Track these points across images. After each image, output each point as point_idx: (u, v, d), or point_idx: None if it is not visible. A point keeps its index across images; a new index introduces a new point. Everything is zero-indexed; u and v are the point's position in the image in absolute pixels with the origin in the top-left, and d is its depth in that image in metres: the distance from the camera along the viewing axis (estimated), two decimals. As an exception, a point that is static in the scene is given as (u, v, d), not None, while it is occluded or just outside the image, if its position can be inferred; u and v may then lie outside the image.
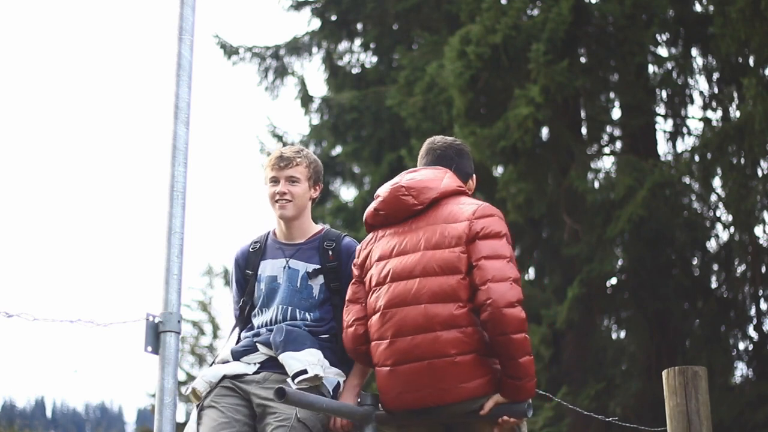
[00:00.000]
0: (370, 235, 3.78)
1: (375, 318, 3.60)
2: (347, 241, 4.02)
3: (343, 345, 3.78)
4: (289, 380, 3.72)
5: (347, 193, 15.02)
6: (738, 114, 11.24)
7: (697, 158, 11.18)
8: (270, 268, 4.01)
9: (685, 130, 12.80)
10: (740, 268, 11.93)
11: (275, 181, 4.00)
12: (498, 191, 11.78)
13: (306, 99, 14.27)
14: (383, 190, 3.75)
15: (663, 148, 13.03)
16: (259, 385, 3.78)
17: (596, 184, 11.78)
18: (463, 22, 11.82)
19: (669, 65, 12.32)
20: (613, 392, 11.70)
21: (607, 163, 12.81)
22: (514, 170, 11.35)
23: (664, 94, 12.72)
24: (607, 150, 13.09)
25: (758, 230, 11.52)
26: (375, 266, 3.67)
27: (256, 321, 3.99)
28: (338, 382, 3.80)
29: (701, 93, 12.56)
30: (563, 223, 11.98)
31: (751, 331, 12.02)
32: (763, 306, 11.89)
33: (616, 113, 12.94)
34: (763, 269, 11.61)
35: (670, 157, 12.57)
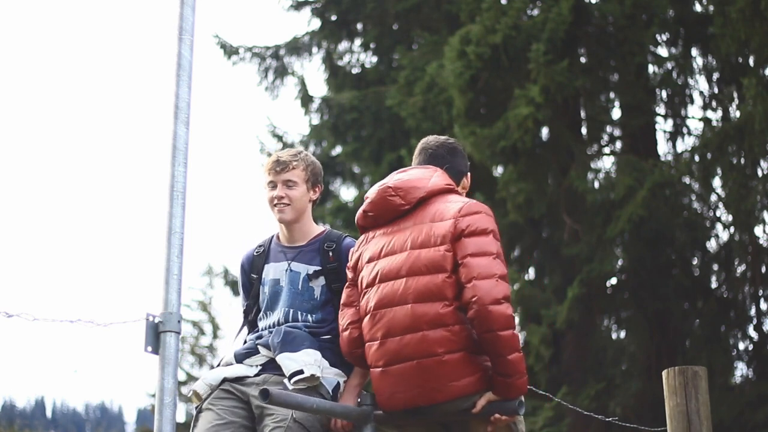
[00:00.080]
0: (362, 237, 3.80)
1: (366, 320, 3.62)
2: (348, 242, 4.03)
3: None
4: (285, 381, 3.73)
5: (347, 193, 15.03)
6: (738, 114, 11.24)
7: (697, 158, 11.19)
8: (273, 271, 4.04)
9: (685, 130, 12.80)
10: (740, 268, 11.93)
11: (273, 185, 4.03)
12: (498, 191, 11.78)
13: (306, 99, 14.27)
14: (371, 192, 3.78)
15: (663, 148, 13.04)
16: (258, 387, 3.78)
17: (596, 184, 11.78)
18: (463, 22, 11.82)
19: (669, 65, 12.33)
20: (613, 392, 11.69)
21: (607, 163, 12.83)
22: (514, 170, 11.35)
23: (664, 94, 12.73)
24: (607, 150, 13.09)
25: (758, 230, 11.53)
26: (365, 268, 3.69)
27: (261, 324, 4.02)
28: (338, 383, 3.80)
29: (701, 93, 12.56)
30: (563, 223, 11.99)
31: (751, 331, 12.02)
32: (763, 306, 11.90)
33: (616, 113, 12.95)
34: (763, 269, 11.61)
35: (670, 157, 12.57)
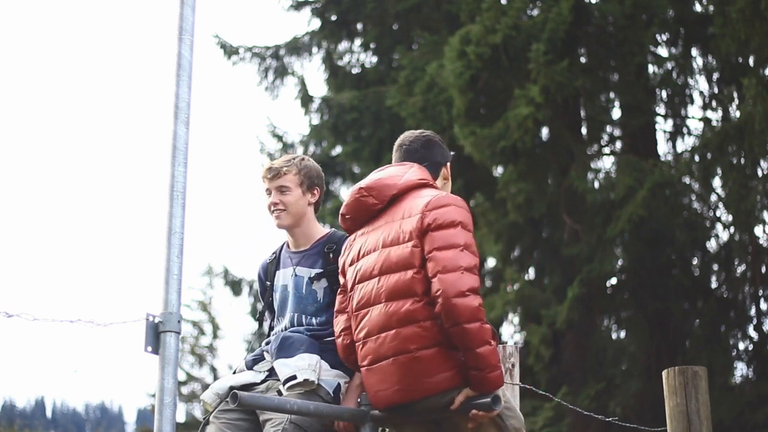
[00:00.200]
0: (347, 241, 3.82)
1: (352, 321, 3.65)
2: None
3: None
4: (281, 387, 3.74)
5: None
6: (738, 114, 11.25)
7: (697, 158, 11.19)
8: (282, 277, 4.07)
9: (685, 130, 12.81)
10: (740, 268, 11.94)
11: (269, 192, 4.07)
12: (498, 191, 11.79)
13: (306, 99, 14.27)
14: (347, 194, 3.78)
15: (663, 148, 13.05)
16: (262, 394, 3.80)
17: (596, 184, 11.79)
18: (463, 22, 11.82)
19: (669, 65, 12.33)
20: (613, 392, 11.70)
21: (607, 163, 12.84)
22: (514, 170, 11.36)
23: (664, 94, 12.73)
24: (607, 150, 13.09)
25: (758, 230, 11.54)
26: (349, 271, 3.71)
27: (275, 329, 4.06)
28: (338, 384, 3.80)
29: (701, 93, 12.57)
30: (563, 223, 11.99)
31: (751, 331, 12.02)
32: (763, 306, 11.90)
33: (616, 113, 12.95)
34: (763, 269, 11.62)
35: (670, 157, 12.57)
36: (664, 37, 12.30)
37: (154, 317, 3.09)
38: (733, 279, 11.95)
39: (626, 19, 10.98)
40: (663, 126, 12.96)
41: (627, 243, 11.31)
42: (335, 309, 3.79)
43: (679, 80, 12.40)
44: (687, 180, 11.56)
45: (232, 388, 3.84)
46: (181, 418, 24.43)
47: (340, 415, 3.63)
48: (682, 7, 12.00)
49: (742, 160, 10.67)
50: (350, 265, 3.70)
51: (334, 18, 14.69)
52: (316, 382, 3.72)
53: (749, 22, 9.58)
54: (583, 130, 12.88)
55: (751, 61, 10.68)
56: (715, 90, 12.40)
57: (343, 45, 15.03)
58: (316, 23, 14.89)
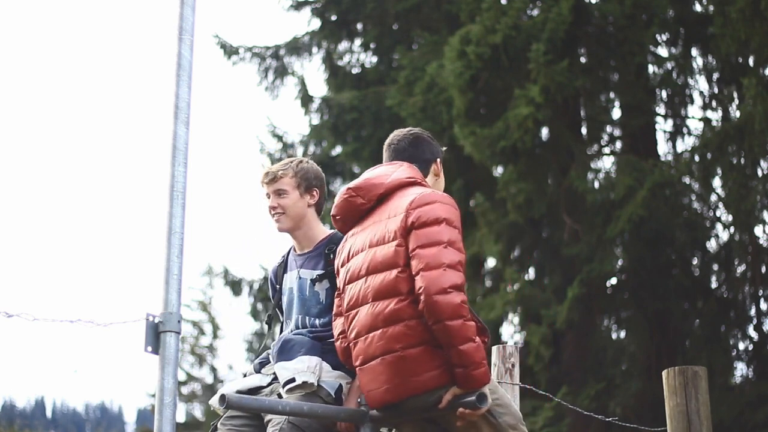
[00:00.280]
0: (341, 243, 3.83)
1: (344, 322, 3.66)
2: None
3: None
4: (281, 389, 3.76)
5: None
6: (738, 114, 11.25)
7: (697, 158, 11.19)
8: (289, 280, 4.11)
9: (685, 130, 12.81)
10: (740, 268, 11.94)
11: (268, 196, 4.12)
12: (498, 191, 11.79)
13: (306, 99, 14.27)
14: (337, 196, 3.82)
15: (663, 148, 13.05)
16: (266, 396, 3.83)
17: (596, 184, 11.79)
18: (463, 22, 11.82)
19: (669, 65, 12.33)
20: (613, 392, 11.70)
21: (607, 163, 12.84)
22: (514, 170, 11.36)
23: (664, 94, 12.73)
24: (607, 150, 13.09)
25: (758, 230, 11.54)
26: (341, 272, 3.73)
27: (283, 332, 4.09)
28: (340, 385, 3.80)
29: (701, 93, 12.57)
30: (563, 223, 11.99)
31: (751, 331, 12.02)
32: (763, 306, 11.90)
33: (616, 113, 12.95)
34: (763, 269, 11.62)
35: (670, 157, 12.58)
36: (664, 37, 12.30)
37: (154, 317, 3.09)
38: (733, 279, 11.95)
39: (626, 19, 10.98)
40: (663, 126, 12.97)
41: (627, 243, 11.31)
42: (333, 312, 3.81)
43: (679, 80, 12.40)
44: (687, 180, 11.56)
45: (239, 392, 3.86)
46: (181, 418, 24.44)
47: (337, 415, 3.63)
48: (682, 7, 12.00)
49: (742, 160, 10.68)
50: (342, 266, 3.72)
51: (334, 18, 14.69)
52: (316, 384, 3.72)
53: (749, 22, 9.58)
54: (583, 130, 12.88)
55: (751, 61, 10.68)
56: (715, 90, 12.40)
57: (343, 45, 15.03)
58: (316, 23, 14.90)
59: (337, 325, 3.75)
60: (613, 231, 10.80)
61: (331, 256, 3.98)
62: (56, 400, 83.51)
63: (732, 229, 11.80)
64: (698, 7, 12.30)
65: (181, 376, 27.20)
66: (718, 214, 12.07)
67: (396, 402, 3.45)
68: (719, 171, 11.06)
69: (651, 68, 12.43)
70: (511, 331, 12.99)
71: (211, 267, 24.81)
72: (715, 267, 12.32)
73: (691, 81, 12.53)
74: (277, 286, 4.17)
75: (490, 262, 13.80)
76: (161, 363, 3.06)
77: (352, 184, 3.77)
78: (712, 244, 12.21)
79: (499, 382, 4.44)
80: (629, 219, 10.56)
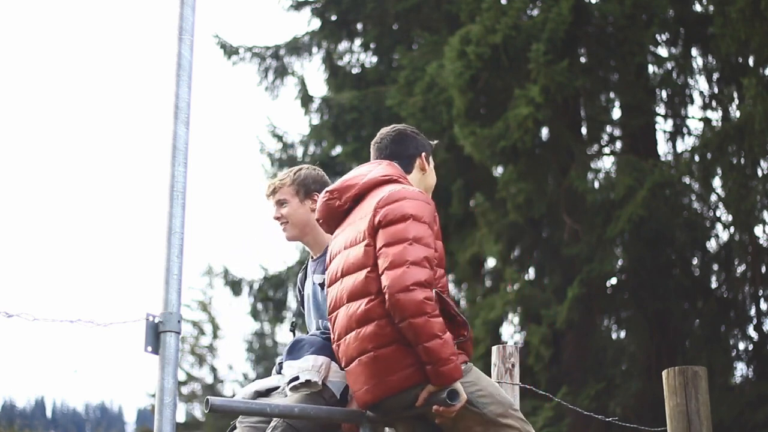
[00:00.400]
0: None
1: (330, 325, 3.67)
2: None
3: None
4: (285, 388, 3.77)
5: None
6: (738, 114, 11.25)
7: (697, 158, 11.19)
8: (308, 286, 4.18)
9: (685, 130, 12.81)
10: (740, 268, 11.94)
11: (274, 208, 4.20)
12: (498, 191, 11.79)
13: (306, 99, 14.27)
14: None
15: (663, 148, 13.05)
16: (281, 395, 3.86)
17: (596, 184, 11.79)
18: (463, 22, 11.82)
19: (669, 65, 12.33)
20: (613, 392, 11.70)
21: (607, 163, 12.84)
22: (514, 170, 11.36)
23: (664, 94, 12.73)
24: (607, 150, 13.09)
25: (758, 230, 11.54)
26: (327, 275, 3.74)
27: None
28: (347, 385, 3.81)
29: (701, 93, 12.56)
30: (563, 223, 11.99)
31: (751, 331, 12.02)
32: (763, 306, 11.90)
33: (616, 113, 12.95)
34: (763, 269, 11.62)
35: (670, 157, 12.57)
36: (664, 37, 12.30)
37: (154, 317, 3.09)
38: (733, 279, 11.95)
39: (626, 19, 10.98)
40: (663, 126, 12.97)
41: (627, 243, 11.31)
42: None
43: (679, 80, 12.40)
44: (687, 180, 11.56)
45: (257, 392, 3.92)
46: (181, 418, 24.43)
47: (331, 416, 3.62)
48: (682, 7, 12.00)
49: (742, 160, 10.67)
50: (326, 269, 3.74)
51: (334, 18, 14.69)
52: (320, 383, 3.72)
53: (749, 22, 9.58)
54: (583, 130, 12.88)
55: (751, 61, 10.68)
56: (715, 90, 12.40)
57: (343, 45, 15.03)
58: (316, 23, 14.90)
59: (329, 327, 3.77)
60: (613, 231, 10.80)
61: None
62: (56, 400, 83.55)
63: (732, 229, 11.80)
64: (698, 7, 12.30)
65: (181, 376, 27.20)
66: (718, 214, 12.07)
67: (377, 402, 3.44)
68: (719, 171, 11.06)
69: (651, 68, 12.43)
70: (511, 331, 13.00)
71: (211, 267, 24.81)
72: (715, 267, 12.32)
73: (691, 81, 12.54)
74: (301, 294, 4.25)
75: (490, 262, 13.80)
76: (161, 363, 3.06)
77: (331, 186, 3.77)
78: (712, 244, 12.22)
79: (498, 382, 4.44)
80: (629, 219, 10.56)
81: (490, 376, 4.40)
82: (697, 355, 11.14)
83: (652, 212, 10.63)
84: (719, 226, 12.08)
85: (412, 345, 3.31)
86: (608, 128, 13.04)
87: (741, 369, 12.27)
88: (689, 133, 12.77)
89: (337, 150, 14.47)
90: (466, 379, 3.39)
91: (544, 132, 11.98)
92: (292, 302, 15.35)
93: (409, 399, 3.39)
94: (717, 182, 11.51)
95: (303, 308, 4.19)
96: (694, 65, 12.51)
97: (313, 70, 25.57)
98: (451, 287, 14.60)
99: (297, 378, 3.72)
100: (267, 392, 3.90)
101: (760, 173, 10.83)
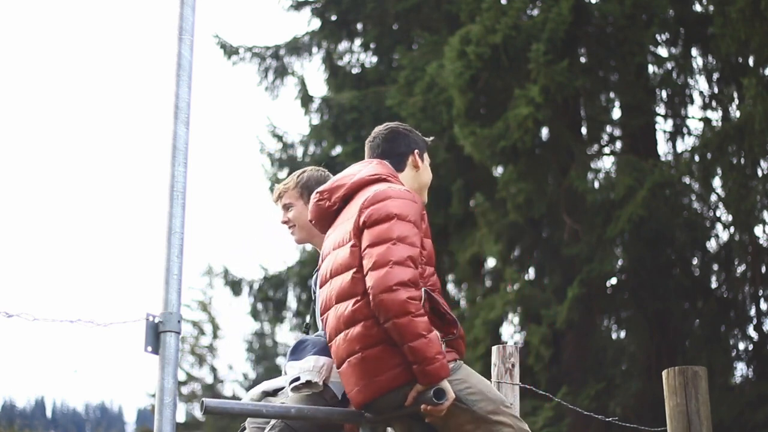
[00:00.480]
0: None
1: (322, 327, 3.67)
2: None
3: None
4: (287, 388, 3.78)
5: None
6: (738, 114, 11.25)
7: (697, 158, 11.19)
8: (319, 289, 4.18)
9: (685, 130, 12.81)
10: (740, 268, 11.94)
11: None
12: (498, 191, 11.79)
13: (306, 99, 14.27)
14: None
15: (663, 148, 13.05)
16: (285, 395, 3.88)
17: (596, 184, 11.79)
18: (463, 22, 11.82)
19: (669, 65, 12.33)
20: (613, 392, 11.70)
21: (607, 163, 12.84)
22: (514, 170, 11.36)
23: (664, 94, 12.73)
24: (607, 150, 13.09)
25: (758, 230, 11.54)
26: (319, 277, 3.74)
27: None
28: None
29: (701, 93, 12.56)
30: (563, 223, 11.99)
31: (751, 331, 12.02)
32: (763, 306, 11.90)
33: (616, 113, 12.95)
34: (763, 269, 11.62)
35: (670, 157, 12.57)
36: (664, 37, 12.30)
37: (154, 317, 3.08)
38: (733, 279, 11.94)
39: (626, 19, 10.98)
40: (663, 126, 12.97)
41: (627, 243, 11.31)
42: None
43: (679, 80, 12.40)
44: (687, 180, 11.56)
45: (264, 392, 3.95)
46: (181, 418, 24.43)
47: (330, 416, 3.61)
48: (682, 7, 12.00)
49: (742, 160, 10.67)
50: (317, 270, 3.74)
51: (334, 18, 14.70)
52: (320, 383, 3.73)
53: (749, 22, 9.58)
54: (583, 130, 12.88)
55: (751, 61, 10.67)
56: (715, 90, 12.40)
57: (343, 45, 15.03)
58: (316, 23, 14.90)
59: None
60: (613, 231, 10.79)
61: None
62: (56, 400, 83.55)
63: (732, 229, 11.80)
64: (698, 7, 12.30)
65: (181, 376, 27.18)
66: (718, 214, 12.07)
67: (369, 402, 3.44)
68: (719, 171, 11.06)
69: (651, 68, 12.43)
70: (511, 331, 13.00)
71: (211, 267, 24.79)
72: (715, 267, 12.32)
73: (691, 81, 12.53)
74: (315, 294, 4.25)
75: (490, 262, 13.80)
76: (161, 363, 3.06)
77: (322, 186, 3.76)
78: (712, 244, 12.22)
79: (498, 382, 4.43)
80: (629, 219, 10.56)
81: (490, 376, 4.40)
82: (697, 355, 11.14)
83: (652, 212, 10.63)
84: (719, 226, 12.09)
85: (399, 345, 3.31)
86: (608, 128, 13.04)
87: (741, 369, 12.28)
88: (689, 133, 12.77)
89: (337, 150, 14.47)
90: (455, 377, 3.39)
91: (544, 132, 11.98)
92: (292, 302, 15.36)
93: (399, 398, 3.38)
94: (717, 182, 11.52)
95: (316, 310, 4.20)
96: (694, 65, 12.51)
97: (313, 70, 25.62)
98: (451, 287, 14.60)
99: (297, 378, 3.74)
100: (274, 392, 3.92)
101: (760, 173, 10.83)
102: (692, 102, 12.67)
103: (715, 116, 12.44)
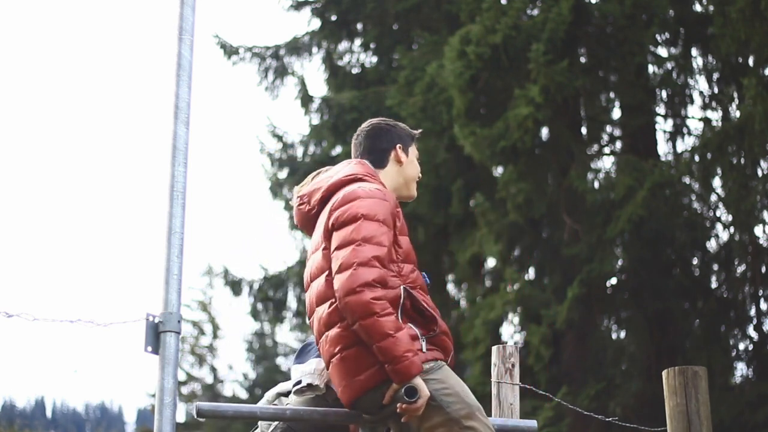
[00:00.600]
0: None
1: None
2: None
3: None
4: (291, 391, 3.82)
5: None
6: (738, 114, 11.24)
7: (697, 158, 11.18)
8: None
9: (685, 130, 12.80)
10: (740, 268, 11.93)
11: None
12: (498, 191, 11.79)
13: (306, 99, 14.26)
14: None
15: (663, 148, 13.04)
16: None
17: (596, 184, 11.79)
18: (463, 22, 11.82)
19: (669, 65, 12.32)
20: (613, 392, 11.69)
21: (607, 163, 12.83)
22: (514, 170, 11.35)
23: (664, 94, 12.72)
24: (607, 150, 13.09)
25: (758, 230, 11.53)
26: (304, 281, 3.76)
27: None
28: None
29: (701, 93, 12.56)
30: (563, 223, 11.98)
31: (751, 331, 12.02)
32: (763, 306, 11.90)
33: (616, 113, 12.94)
34: (763, 269, 11.61)
35: (670, 157, 12.57)
36: (664, 37, 12.29)
37: (154, 317, 3.09)
38: (733, 279, 11.94)
39: (626, 19, 10.97)
40: (663, 126, 12.96)
41: (627, 243, 11.30)
42: None
43: (679, 80, 12.39)
44: (687, 180, 11.56)
45: (278, 394, 3.95)
46: (181, 418, 24.42)
47: (326, 418, 3.61)
48: (682, 7, 12.00)
49: (742, 160, 10.67)
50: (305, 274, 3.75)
51: (334, 18, 14.69)
52: (322, 386, 3.74)
53: (749, 22, 9.58)
54: (583, 130, 12.88)
55: (751, 61, 10.67)
56: (715, 90, 12.39)
57: (343, 45, 15.03)
58: (316, 23, 14.90)
59: None
60: (613, 231, 10.79)
61: None
62: (56, 400, 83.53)
63: (732, 229, 11.79)
64: (698, 7, 12.30)
65: (181, 376, 27.16)
66: (718, 214, 12.07)
67: (353, 402, 3.45)
68: (719, 171, 11.05)
69: (651, 68, 12.43)
70: (511, 331, 13.00)
71: (211, 267, 24.78)
72: (715, 267, 12.31)
73: (691, 81, 12.53)
74: None
75: (490, 262, 13.79)
76: (161, 363, 3.06)
77: (302, 190, 3.73)
78: (712, 244, 12.21)
79: (498, 382, 4.43)
80: (629, 219, 10.56)
81: (490, 376, 4.40)
82: (697, 355, 11.13)
83: (652, 212, 10.63)
84: (719, 226, 12.08)
85: (369, 346, 3.31)
86: (608, 128, 13.03)
87: (741, 369, 12.28)
88: (689, 133, 12.76)
89: (337, 150, 14.46)
90: (433, 376, 3.37)
91: (544, 132, 11.98)
92: (292, 302, 15.36)
93: (379, 398, 3.39)
94: (717, 182, 11.51)
95: None
96: (694, 65, 12.51)
97: (313, 70, 25.56)
98: (451, 287, 14.61)
99: (300, 382, 3.76)
100: (287, 394, 3.93)
101: (760, 173, 10.83)
102: (692, 102, 12.67)
103: (715, 116, 12.45)
